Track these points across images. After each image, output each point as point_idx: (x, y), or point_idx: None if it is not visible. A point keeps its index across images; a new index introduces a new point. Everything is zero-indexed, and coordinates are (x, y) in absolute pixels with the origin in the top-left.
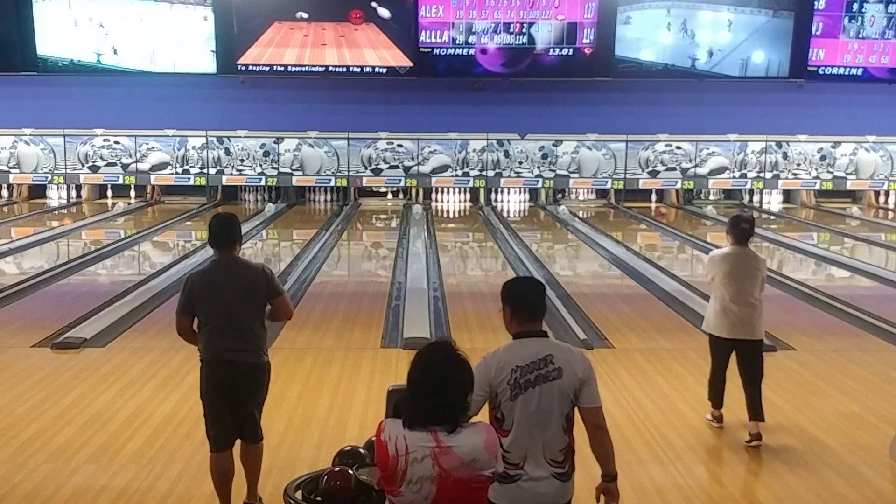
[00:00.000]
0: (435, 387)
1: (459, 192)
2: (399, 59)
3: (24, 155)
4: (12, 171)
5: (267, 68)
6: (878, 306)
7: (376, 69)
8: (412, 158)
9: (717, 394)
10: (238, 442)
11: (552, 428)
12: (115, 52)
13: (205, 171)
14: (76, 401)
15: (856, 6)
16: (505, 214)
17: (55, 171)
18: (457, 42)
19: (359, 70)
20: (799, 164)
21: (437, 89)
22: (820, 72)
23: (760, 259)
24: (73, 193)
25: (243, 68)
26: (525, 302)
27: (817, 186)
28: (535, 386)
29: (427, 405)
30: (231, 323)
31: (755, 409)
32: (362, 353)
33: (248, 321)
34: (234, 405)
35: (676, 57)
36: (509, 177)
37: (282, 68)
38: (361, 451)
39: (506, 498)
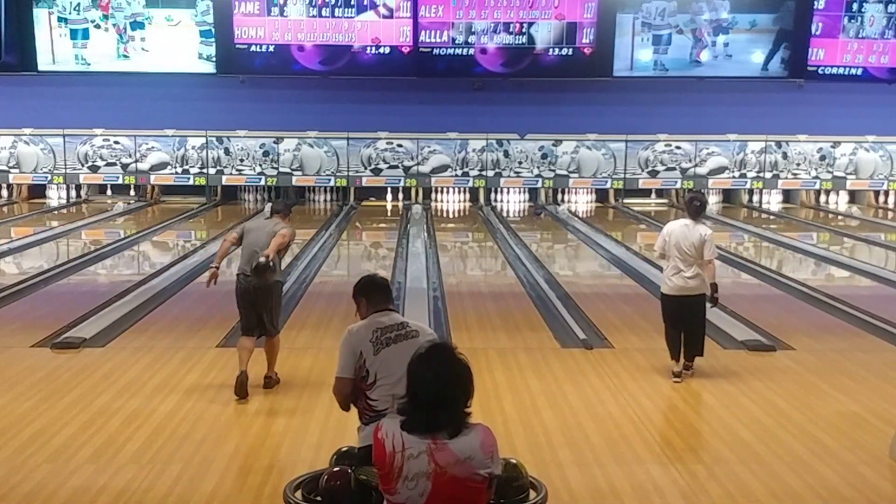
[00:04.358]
0: (441, 403)
1: (459, 192)
2: None
3: (23, 155)
4: (12, 170)
5: None
6: (878, 306)
7: None
8: (412, 158)
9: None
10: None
11: None
12: (115, 50)
13: (204, 170)
14: (76, 401)
15: (855, 6)
16: (504, 214)
17: (55, 171)
18: (457, 42)
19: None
20: (798, 164)
21: (436, 89)
22: (820, 72)
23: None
24: (73, 193)
25: None
26: (375, 291)
27: (817, 186)
28: (396, 342)
29: (432, 418)
30: (257, 253)
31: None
32: None
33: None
34: (254, 307)
35: (676, 57)
36: (509, 177)
37: None
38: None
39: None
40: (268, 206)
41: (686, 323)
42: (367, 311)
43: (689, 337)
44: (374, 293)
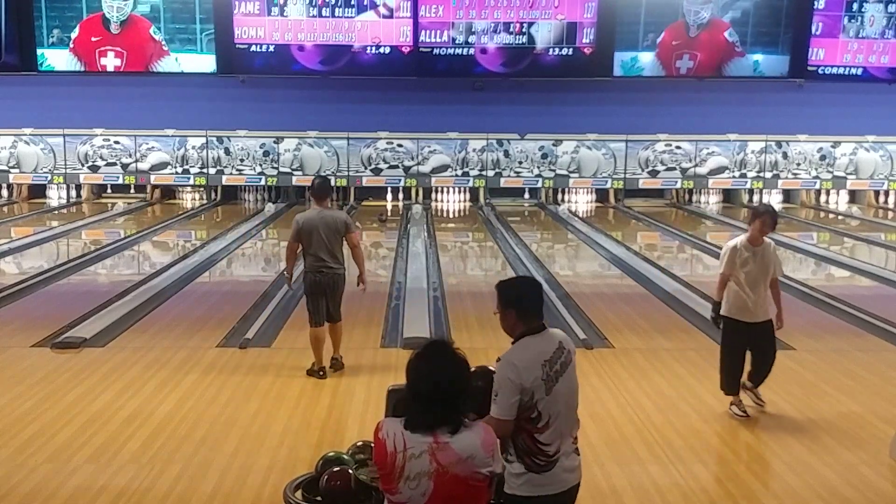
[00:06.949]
0: (439, 397)
1: (459, 192)
2: None
3: (24, 155)
4: (12, 170)
5: None
6: (878, 306)
7: None
8: (412, 158)
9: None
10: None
11: (575, 407)
12: (114, 50)
13: (204, 170)
14: (76, 401)
15: (856, 6)
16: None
17: (55, 171)
18: (457, 42)
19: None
20: (799, 164)
21: (437, 89)
22: (820, 71)
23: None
24: (73, 193)
25: None
26: (531, 304)
27: (817, 186)
28: (563, 373)
29: (431, 414)
30: (323, 248)
31: None
32: (362, 353)
33: (332, 247)
34: (324, 298)
35: (676, 56)
36: (509, 176)
37: None
38: (345, 456)
39: (542, 485)
40: (267, 207)
41: None
42: (516, 326)
43: None
44: (529, 306)
